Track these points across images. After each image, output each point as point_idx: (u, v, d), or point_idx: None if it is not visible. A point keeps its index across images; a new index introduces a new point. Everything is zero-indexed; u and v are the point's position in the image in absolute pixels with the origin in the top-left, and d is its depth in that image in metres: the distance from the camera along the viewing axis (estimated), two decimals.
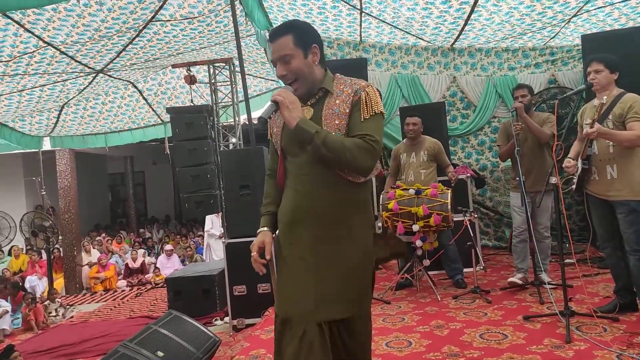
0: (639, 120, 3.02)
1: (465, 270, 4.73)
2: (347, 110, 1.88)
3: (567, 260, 4.09)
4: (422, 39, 6.23)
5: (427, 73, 6.54)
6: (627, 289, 3.29)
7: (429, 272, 4.58)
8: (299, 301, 1.84)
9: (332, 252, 1.88)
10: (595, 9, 5.27)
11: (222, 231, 9.83)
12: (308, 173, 1.93)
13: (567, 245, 4.78)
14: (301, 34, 1.91)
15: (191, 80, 7.05)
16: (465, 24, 5.59)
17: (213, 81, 7.23)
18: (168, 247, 10.47)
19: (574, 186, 3.34)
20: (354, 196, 1.94)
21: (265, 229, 2.11)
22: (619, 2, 5.11)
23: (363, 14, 5.49)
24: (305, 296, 1.84)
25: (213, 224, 9.30)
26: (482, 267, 4.92)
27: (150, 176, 16.55)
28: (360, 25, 5.84)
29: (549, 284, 3.90)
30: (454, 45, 6.39)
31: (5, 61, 5.11)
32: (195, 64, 7.05)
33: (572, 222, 6.28)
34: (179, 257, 10.52)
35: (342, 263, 1.87)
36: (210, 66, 7.19)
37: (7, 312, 6.63)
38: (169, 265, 9.96)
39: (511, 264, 5.42)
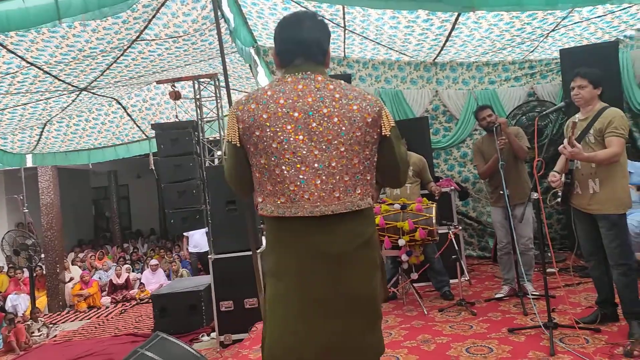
0: (617, 136, 3.07)
1: (451, 281, 4.80)
2: None
3: (549, 270, 4.20)
4: (405, 55, 6.34)
5: (410, 87, 6.64)
6: (609, 301, 3.38)
7: (415, 285, 4.65)
8: None
9: None
10: (572, 24, 5.42)
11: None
12: None
13: (549, 255, 4.92)
14: None
15: (176, 96, 7.05)
16: (446, 40, 5.70)
17: (198, 97, 7.24)
18: (153, 261, 10.38)
19: (559, 199, 3.40)
20: None
21: None
22: (595, 18, 5.26)
23: (346, 31, 5.57)
24: None
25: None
26: (467, 279, 5.00)
27: (134, 189, 16.43)
28: (344, 41, 5.92)
29: (532, 294, 3.98)
30: (435, 60, 6.51)
31: None
32: (180, 79, 7.06)
33: (554, 231, 6.41)
34: (164, 271, 10.43)
35: None
36: (195, 82, 7.19)
37: None
38: (155, 281, 9.88)
39: (495, 274, 5.51)
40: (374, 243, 1.71)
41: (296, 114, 1.57)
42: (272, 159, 1.57)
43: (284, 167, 1.56)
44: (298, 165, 1.56)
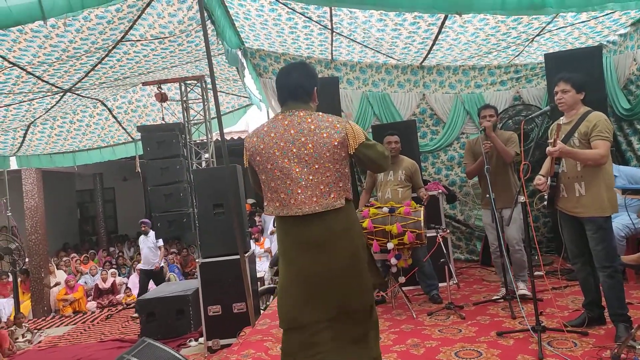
0: (602, 139, 3.11)
1: (439, 285, 4.80)
2: None
3: (536, 273, 4.21)
4: (392, 58, 6.34)
5: (397, 91, 6.65)
6: (596, 303, 3.40)
7: (404, 288, 4.64)
8: None
9: None
10: (557, 29, 5.47)
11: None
12: None
13: (536, 258, 4.94)
14: None
15: (162, 97, 6.99)
16: (433, 44, 5.72)
17: (185, 99, 7.18)
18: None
19: (545, 202, 3.42)
20: None
21: None
22: (579, 23, 5.32)
23: (334, 33, 5.57)
24: None
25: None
26: (455, 282, 5.01)
27: (120, 192, 16.24)
28: (332, 44, 5.91)
29: (522, 297, 3.99)
30: (422, 64, 6.53)
31: None
32: (166, 81, 7.01)
33: (540, 234, 6.46)
34: None
35: None
36: (182, 84, 7.15)
37: None
38: None
39: (483, 277, 5.54)
40: (352, 232, 2.22)
41: (282, 144, 2.17)
42: (269, 175, 2.21)
43: (276, 182, 2.19)
44: (285, 180, 2.17)
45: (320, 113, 2.22)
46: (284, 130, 2.17)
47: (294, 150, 2.14)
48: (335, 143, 2.12)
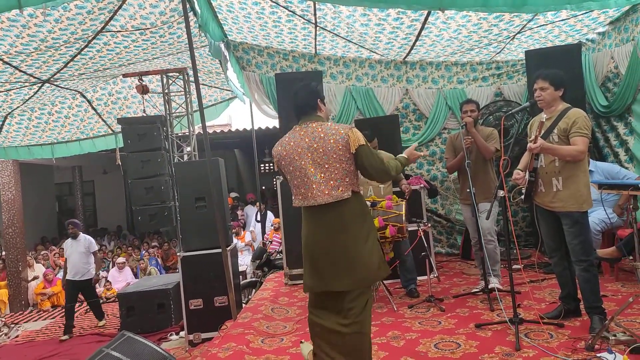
0: (581, 135, 3.17)
1: (419, 278, 4.85)
2: None
3: (514, 266, 4.29)
4: (376, 53, 6.36)
5: (380, 85, 6.67)
6: (572, 296, 3.47)
7: (385, 282, 4.68)
8: None
9: None
10: (537, 27, 5.55)
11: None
12: None
13: (514, 252, 5.03)
14: None
15: (143, 90, 6.90)
16: (416, 40, 5.75)
17: (166, 91, 7.11)
18: (120, 259, 10.17)
19: (522, 197, 3.47)
20: None
21: None
22: (559, 21, 5.40)
23: (318, 27, 5.55)
24: None
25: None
26: (435, 276, 5.07)
27: (100, 185, 16.03)
28: (315, 38, 5.90)
29: (498, 290, 4.06)
30: (406, 59, 6.56)
31: None
32: (147, 73, 6.92)
33: (519, 228, 6.57)
34: (132, 269, 10.23)
35: None
36: (164, 76, 7.07)
37: None
38: (121, 279, 9.69)
39: (463, 270, 5.61)
40: (362, 217, 2.67)
41: (299, 150, 2.70)
42: (291, 175, 2.76)
43: (297, 180, 2.73)
44: (303, 178, 2.70)
45: (329, 123, 2.76)
46: (301, 139, 2.71)
47: (309, 154, 2.66)
48: (340, 147, 2.62)
